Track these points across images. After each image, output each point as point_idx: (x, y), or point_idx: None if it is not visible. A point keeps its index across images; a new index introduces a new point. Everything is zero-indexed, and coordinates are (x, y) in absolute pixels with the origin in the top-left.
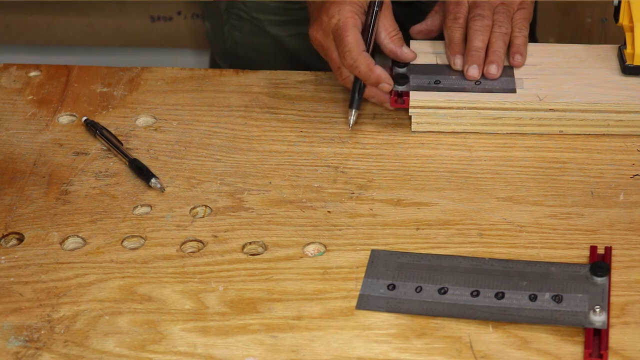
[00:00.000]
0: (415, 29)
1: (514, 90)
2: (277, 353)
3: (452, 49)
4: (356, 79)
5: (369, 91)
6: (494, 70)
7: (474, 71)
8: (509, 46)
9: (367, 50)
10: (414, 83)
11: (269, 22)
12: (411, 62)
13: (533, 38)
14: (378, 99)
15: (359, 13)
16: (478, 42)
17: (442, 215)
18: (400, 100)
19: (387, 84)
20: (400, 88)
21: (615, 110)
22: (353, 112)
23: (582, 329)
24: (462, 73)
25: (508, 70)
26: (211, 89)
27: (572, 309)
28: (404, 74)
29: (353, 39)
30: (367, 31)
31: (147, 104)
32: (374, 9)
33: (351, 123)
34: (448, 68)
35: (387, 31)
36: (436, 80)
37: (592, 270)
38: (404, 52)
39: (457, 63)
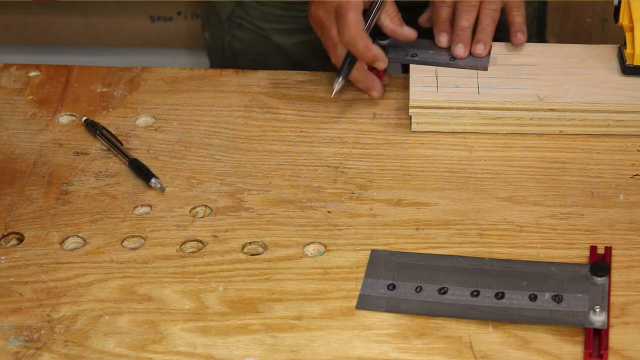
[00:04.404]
0: (422, 18)
1: (485, 68)
2: (277, 353)
3: (438, 27)
4: (348, 53)
5: (357, 75)
6: (480, 49)
7: (460, 50)
8: (510, 25)
9: (367, 31)
10: (392, 56)
11: (274, 31)
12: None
13: (543, 40)
14: (365, 84)
15: None
16: (464, 22)
17: (442, 215)
18: (375, 71)
19: (383, 61)
20: None
21: (615, 110)
22: (340, 80)
23: (582, 329)
24: (444, 49)
25: None
26: (211, 89)
27: (572, 309)
28: (382, 46)
29: (354, 17)
30: (369, 13)
31: (147, 104)
32: None
33: (335, 91)
34: (428, 43)
35: (387, 12)
36: (413, 54)
37: (592, 270)
38: (404, 31)
39: (442, 41)
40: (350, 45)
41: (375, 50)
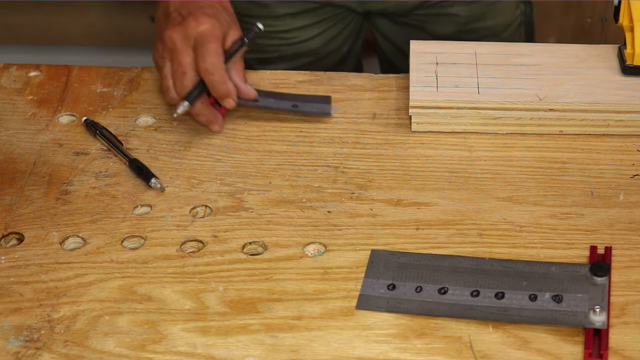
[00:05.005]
0: None
1: (328, 114)
2: (277, 353)
3: None
4: (200, 81)
5: (201, 108)
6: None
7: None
8: None
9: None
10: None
11: (257, 61)
12: None
13: (531, 41)
14: (207, 118)
15: (222, 34)
16: None
17: (442, 215)
18: (218, 105)
19: (233, 100)
20: None
21: (615, 110)
22: (185, 104)
23: (582, 329)
24: (278, 96)
25: (326, 99)
26: None
27: (572, 309)
28: None
29: (217, 47)
30: (227, 53)
31: (147, 104)
32: (242, 41)
33: (177, 113)
34: (270, 92)
35: (236, 65)
36: (254, 99)
37: (592, 270)
38: (247, 87)
39: None
40: (208, 73)
41: (230, 86)
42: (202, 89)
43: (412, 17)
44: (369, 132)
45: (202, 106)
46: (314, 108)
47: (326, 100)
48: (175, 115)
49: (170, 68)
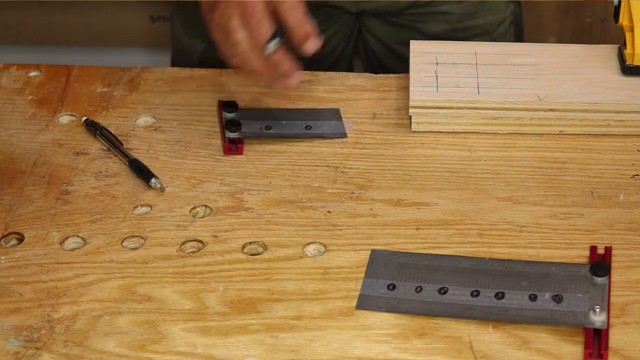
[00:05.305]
0: None
1: (344, 135)
2: (277, 353)
3: None
4: (280, 28)
5: (280, 57)
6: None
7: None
8: None
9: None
10: (246, 129)
11: None
12: (240, 108)
13: (521, 41)
14: (287, 66)
15: None
16: None
17: (442, 215)
18: (234, 147)
19: (315, 43)
20: (233, 135)
21: (615, 110)
22: (276, 40)
23: (582, 329)
24: (291, 119)
25: (336, 113)
26: (211, 89)
27: (572, 309)
28: (235, 121)
29: None
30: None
31: (147, 104)
32: None
33: (269, 50)
34: (277, 112)
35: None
36: (267, 126)
37: (592, 270)
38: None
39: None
40: (292, 11)
41: (311, 27)
42: (282, 33)
43: (404, 17)
44: (369, 132)
45: (282, 54)
46: (328, 128)
47: (336, 115)
48: (265, 53)
49: (238, 23)
